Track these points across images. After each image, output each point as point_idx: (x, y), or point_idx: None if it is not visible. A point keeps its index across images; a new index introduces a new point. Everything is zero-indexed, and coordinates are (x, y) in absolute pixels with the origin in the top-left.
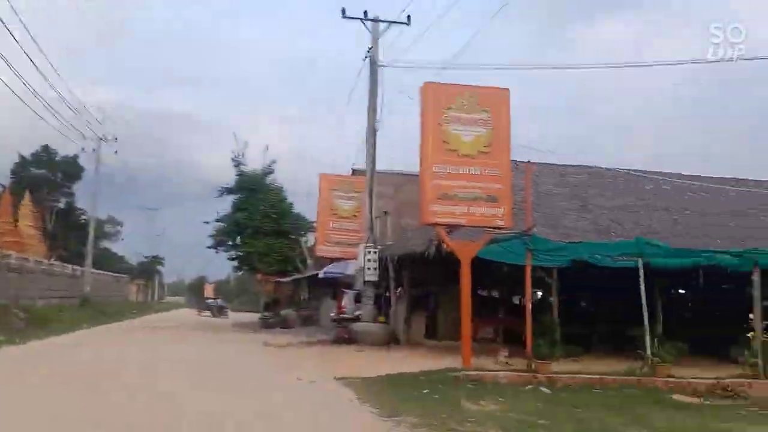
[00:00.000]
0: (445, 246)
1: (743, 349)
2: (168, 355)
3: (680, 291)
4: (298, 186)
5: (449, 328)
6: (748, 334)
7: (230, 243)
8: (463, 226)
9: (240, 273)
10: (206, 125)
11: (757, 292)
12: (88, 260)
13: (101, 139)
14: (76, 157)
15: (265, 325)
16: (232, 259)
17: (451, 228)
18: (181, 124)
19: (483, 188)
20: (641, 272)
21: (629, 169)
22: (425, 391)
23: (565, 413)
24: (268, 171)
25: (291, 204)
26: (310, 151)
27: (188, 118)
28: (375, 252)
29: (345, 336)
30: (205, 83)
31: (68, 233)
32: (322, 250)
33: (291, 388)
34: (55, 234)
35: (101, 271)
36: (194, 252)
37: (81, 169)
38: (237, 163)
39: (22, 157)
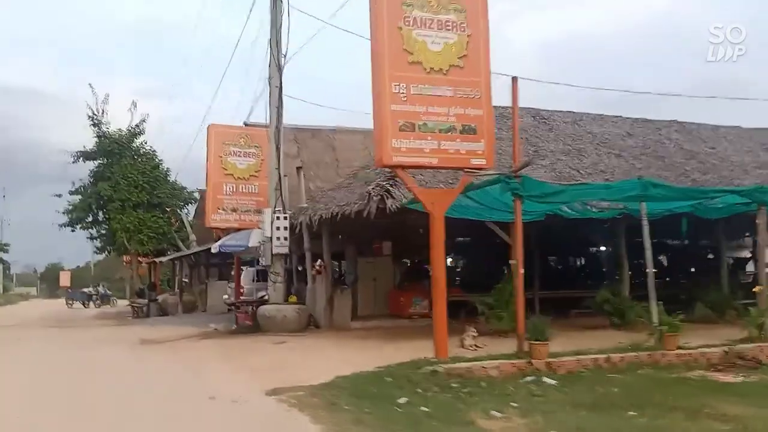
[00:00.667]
0: (391, 202)
1: (710, 307)
2: None
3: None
4: (171, 160)
5: (376, 304)
6: (754, 289)
7: (90, 220)
8: (435, 167)
9: (105, 255)
10: (55, 100)
11: (763, 238)
12: None
13: None
14: None
15: (138, 314)
16: (93, 239)
17: (408, 169)
18: (26, 100)
19: (458, 115)
20: (644, 218)
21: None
22: (403, 401)
23: (622, 423)
24: (137, 132)
25: (167, 171)
26: (187, 121)
27: (33, 92)
28: (285, 218)
29: (249, 323)
30: (46, 53)
31: None
32: (216, 221)
33: (205, 419)
34: None
35: None
36: (48, 238)
37: None
38: (96, 122)
39: None
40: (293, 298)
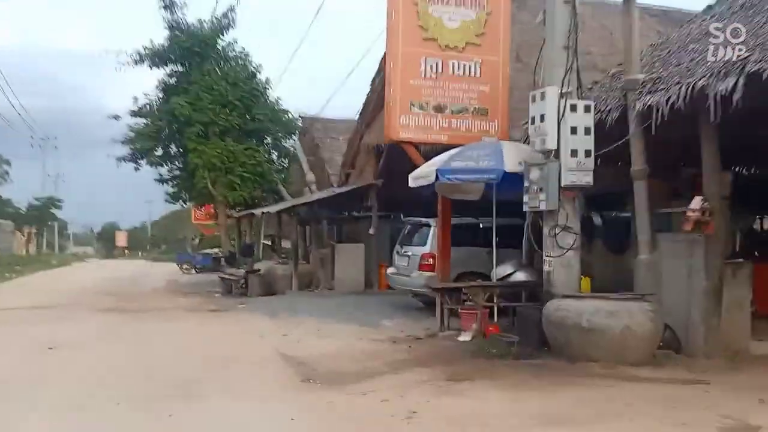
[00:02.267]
0: None
1: None
2: None
3: None
4: None
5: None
6: None
7: (159, 153)
8: None
9: (181, 204)
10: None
11: None
12: None
13: None
14: None
15: (231, 289)
16: (164, 182)
17: None
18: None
19: None
20: None
21: None
22: None
23: None
24: (224, 24)
25: (266, 83)
26: None
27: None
28: (588, 108)
29: (481, 330)
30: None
31: None
32: (408, 129)
33: None
34: None
35: None
36: (105, 197)
37: None
38: (168, 3)
39: None
40: (586, 281)
